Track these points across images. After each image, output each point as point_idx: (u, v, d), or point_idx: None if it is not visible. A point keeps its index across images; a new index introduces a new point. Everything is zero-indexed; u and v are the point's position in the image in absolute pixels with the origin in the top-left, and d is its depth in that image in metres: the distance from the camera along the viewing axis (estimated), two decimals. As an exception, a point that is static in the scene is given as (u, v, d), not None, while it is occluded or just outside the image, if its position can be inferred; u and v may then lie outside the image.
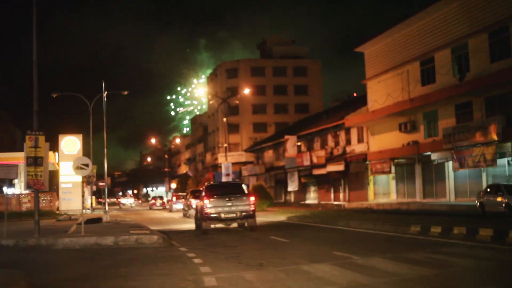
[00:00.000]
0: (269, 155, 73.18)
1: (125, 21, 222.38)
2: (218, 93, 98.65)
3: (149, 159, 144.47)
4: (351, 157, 48.68)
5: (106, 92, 36.14)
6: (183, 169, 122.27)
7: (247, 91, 59.43)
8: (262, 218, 33.91)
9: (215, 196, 23.89)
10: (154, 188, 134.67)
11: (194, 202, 33.77)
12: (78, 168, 19.93)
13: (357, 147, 49.80)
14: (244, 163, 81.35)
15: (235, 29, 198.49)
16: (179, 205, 52.37)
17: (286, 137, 58.90)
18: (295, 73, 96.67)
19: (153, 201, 76.71)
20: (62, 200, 52.70)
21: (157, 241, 17.62)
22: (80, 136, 52.85)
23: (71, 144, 52.36)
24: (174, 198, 57.32)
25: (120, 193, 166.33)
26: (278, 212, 38.52)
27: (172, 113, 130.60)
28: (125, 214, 52.21)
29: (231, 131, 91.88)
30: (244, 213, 23.47)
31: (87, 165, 20.00)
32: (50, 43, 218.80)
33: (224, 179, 50.13)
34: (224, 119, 54.94)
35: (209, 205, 23.43)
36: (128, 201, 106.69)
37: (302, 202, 59.01)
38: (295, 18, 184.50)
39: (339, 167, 49.40)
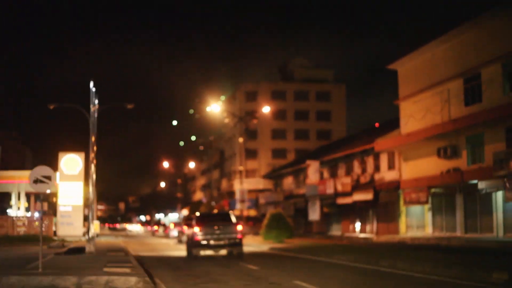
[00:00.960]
0: (288, 182, 68.24)
1: (146, 49, 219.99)
2: (236, 117, 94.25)
3: (162, 184, 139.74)
4: (381, 185, 43.66)
5: (97, 101, 31.07)
6: (198, 195, 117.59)
7: (267, 109, 54.67)
8: (281, 252, 28.90)
9: (204, 224, 25.38)
10: (164, 215, 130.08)
11: (186, 230, 34.62)
12: (36, 181, 15.10)
13: (387, 175, 44.78)
14: (262, 190, 76.60)
15: (256, 56, 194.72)
16: (175, 232, 53.36)
17: (308, 162, 54.02)
18: (317, 97, 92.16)
19: (155, 227, 78.73)
20: (60, 225, 48.12)
21: (135, 285, 12.67)
22: (82, 154, 48.36)
23: (72, 163, 47.90)
24: (172, 225, 59.23)
25: (136, 219, 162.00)
26: (300, 244, 33.38)
27: (181, 143, 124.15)
28: (125, 241, 48.32)
29: (248, 156, 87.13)
30: (231, 241, 24.95)
31: (49, 178, 15.14)
32: (70, 65, 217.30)
33: (238, 205, 45.68)
34: (240, 140, 50.33)
35: (199, 233, 24.83)
36: (134, 227, 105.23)
37: (325, 234, 53.99)
38: (318, 45, 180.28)
39: (367, 196, 44.36)
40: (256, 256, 26.50)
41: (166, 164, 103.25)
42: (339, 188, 49.03)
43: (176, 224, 57.81)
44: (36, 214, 61.06)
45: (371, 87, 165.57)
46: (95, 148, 29.74)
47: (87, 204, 40.19)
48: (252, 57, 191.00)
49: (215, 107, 48.51)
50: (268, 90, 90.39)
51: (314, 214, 53.58)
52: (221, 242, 24.91)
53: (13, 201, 53.72)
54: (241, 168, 50.22)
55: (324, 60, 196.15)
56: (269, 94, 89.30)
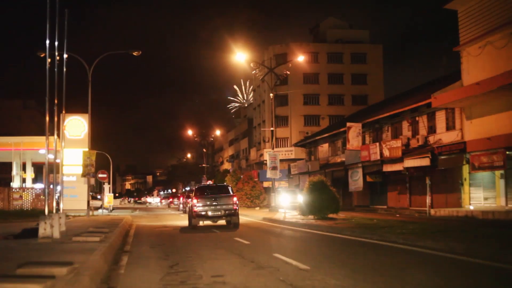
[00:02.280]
0: (323, 150, 61.29)
1: (167, 14, 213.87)
2: (265, 82, 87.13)
3: (189, 155, 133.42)
4: (441, 147, 36.41)
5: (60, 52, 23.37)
6: (226, 167, 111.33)
7: (301, 58, 47.64)
8: (332, 232, 21.41)
9: (203, 196, 26.93)
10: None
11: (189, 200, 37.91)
12: None
13: (445, 136, 37.62)
14: (293, 160, 69.83)
15: (285, 17, 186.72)
16: (181, 205, 56.49)
17: (349, 124, 46.92)
18: (352, 59, 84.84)
19: (170, 199, 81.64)
20: (64, 197, 41.67)
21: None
22: (87, 116, 41.95)
23: (76, 125, 41.60)
24: (181, 198, 60.50)
25: (162, 192, 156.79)
26: (350, 221, 26.14)
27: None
28: (135, 215, 45.81)
29: (278, 124, 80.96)
30: (228, 212, 26.33)
31: None
32: (90, 31, 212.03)
33: (269, 174, 38.86)
34: (271, 95, 43.22)
35: (198, 204, 26.28)
36: (154, 200, 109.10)
37: (368, 207, 47.11)
38: (352, 4, 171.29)
39: (422, 161, 37.19)
40: (298, 241, 19.09)
41: (190, 132, 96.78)
42: (386, 153, 41.94)
43: (183, 197, 58.90)
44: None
45: (409, 49, 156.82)
46: (63, 107, 21.75)
47: (85, 173, 33.50)
48: (281, 18, 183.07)
49: (242, 57, 41.65)
50: (299, 51, 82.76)
51: (356, 184, 46.67)
52: (218, 213, 26.32)
53: (14, 171, 47.49)
54: (271, 129, 43.17)
55: (358, 21, 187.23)
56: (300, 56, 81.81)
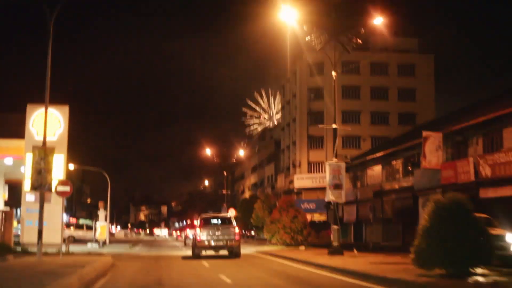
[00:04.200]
0: (374, 173, 48.77)
1: (190, 33, 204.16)
2: (296, 97, 75.09)
3: (206, 183, 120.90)
4: None
5: None
6: (247, 196, 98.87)
7: (379, 20, 35.06)
8: None
9: (206, 227, 28.37)
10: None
11: (189, 233, 45.01)
12: None
13: None
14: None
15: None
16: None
17: (425, 134, 34.12)
18: (399, 72, 72.69)
19: (178, 232, 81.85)
20: (26, 225, 29.20)
21: None
22: (66, 108, 29.85)
23: (48, 121, 29.12)
24: (187, 230, 59.47)
25: (176, 224, 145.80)
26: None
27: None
28: (128, 253, 35.73)
29: (311, 146, 69.41)
30: (230, 242, 27.78)
31: None
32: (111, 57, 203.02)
33: (330, 195, 26.77)
34: (334, 74, 31.36)
35: (201, 234, 27.74)
36: (162, 232, 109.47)
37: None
38: (399, 9, 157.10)
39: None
40: None
41: (209, 152, 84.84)
42: (486, 172, 29.31)
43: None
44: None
45: (464, 60, 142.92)
46: None
47: (36, 185, 20.67)
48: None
49: (291, 15, 29.98)
50: (336, 61, 70.67)
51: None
52: (221, 243, 27.65)
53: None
54: (334, 126, 30.64)
55: (406, 28, 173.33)
56: (338, 66, 69.45)
